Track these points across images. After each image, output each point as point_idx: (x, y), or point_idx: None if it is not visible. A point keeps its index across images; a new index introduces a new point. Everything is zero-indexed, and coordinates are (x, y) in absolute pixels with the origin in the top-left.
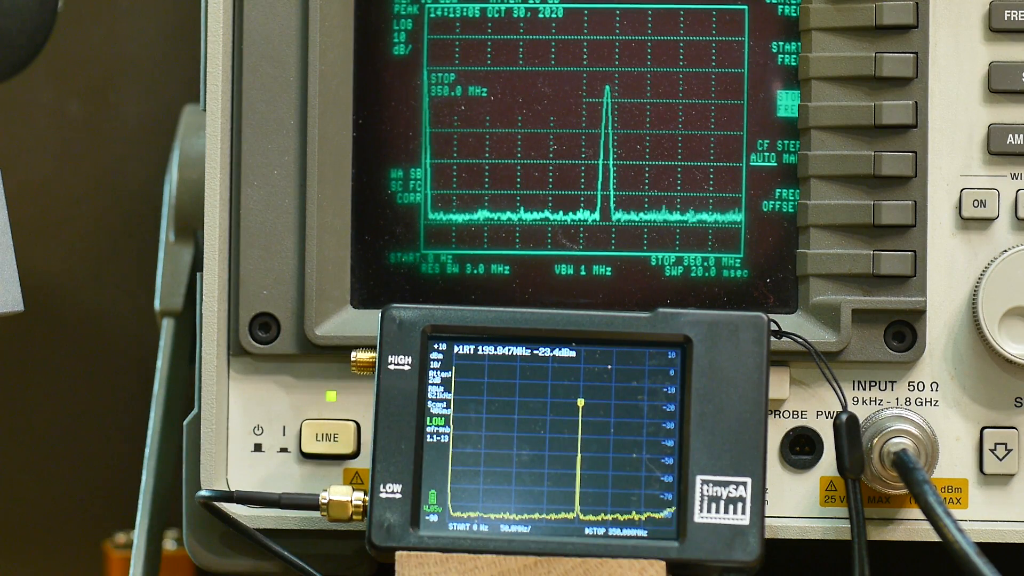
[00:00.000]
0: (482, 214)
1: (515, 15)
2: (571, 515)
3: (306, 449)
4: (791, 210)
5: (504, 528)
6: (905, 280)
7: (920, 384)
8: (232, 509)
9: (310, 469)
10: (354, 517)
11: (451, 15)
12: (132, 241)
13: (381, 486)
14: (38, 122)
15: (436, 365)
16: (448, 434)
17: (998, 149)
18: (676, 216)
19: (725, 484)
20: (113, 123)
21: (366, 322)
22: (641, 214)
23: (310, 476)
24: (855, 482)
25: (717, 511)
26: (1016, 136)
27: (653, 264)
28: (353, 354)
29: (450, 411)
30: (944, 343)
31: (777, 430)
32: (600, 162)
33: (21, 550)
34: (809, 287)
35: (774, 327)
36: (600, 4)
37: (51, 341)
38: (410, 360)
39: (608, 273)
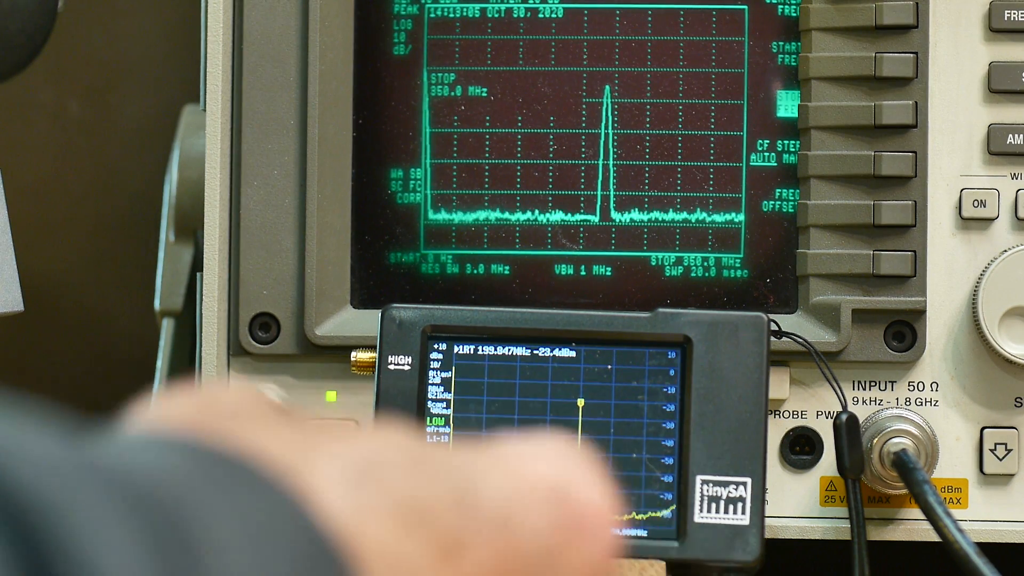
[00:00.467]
0: (482, 214)
1: (515, 15)
2: None
3: None
4: (791, 210)
5: None
6: (905, 280)
7: (920, 384)
8: None
9: None
10: None
11: (451, 15)
12: (132, 241)
13: None
14: (38, 122)
15: (436, 365)
16: (448, 434)
17: (998, 149)
18: (676, 216)
19: (725, 484)
20: (113, 123)
21: (366, 322)
22: (641, 214)
23: None
24: (855, 482)
25: (717, 511)
26: (1016, 136)
27: (653, 264)
28: (353, 354)
29: (450, 411)
30: (944, 343)
31: (777, 430)
32: (600, 162)
33: None
34: (809, 287)
35: (774, 327)
36: (600, 4)
37: (51, 341)
38: (410, 360)
39: (608, 273)
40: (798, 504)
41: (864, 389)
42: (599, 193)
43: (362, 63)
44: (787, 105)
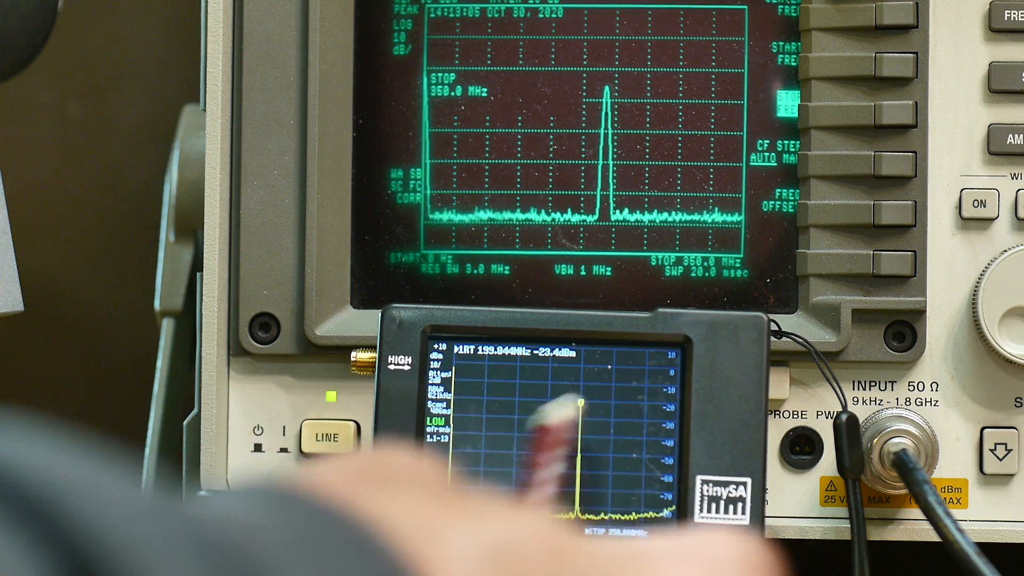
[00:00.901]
0: (482, 214)
1: (515, 15)
2: (571, 515)
3: (306, 449)
4: (791, 210)
5: None
6: (905, 280)
7: (920, 384)
8: None
9: None
10: None
11: (451, 15)
12: (132, 241)
13: None
14: (38, 122)
15: (436, 365)
16: (448, 434)
17: (998, 149)
18: (676, 216)
19: (725, 484)
20: (113, 123)
21: (366, 322)
22: (641, 214)
23: None
24: (855, 482)
25: (717, 511)
26: (1016, 136)
27: (653, 264)
28: (353, 354)
29: (450, 411)
30: (944, 343)
31: (777, 430)
32: (600, 162)
33: None
34: (809, 287)
35: (774, 327)
36: (600, 4)
37: (51, 341)
38: (410, 360)
39: (608, 273)
40: (798, 504)
41: (864, 389)
42: (599, 193)
43: (362, 63)
44: (787, 105)
